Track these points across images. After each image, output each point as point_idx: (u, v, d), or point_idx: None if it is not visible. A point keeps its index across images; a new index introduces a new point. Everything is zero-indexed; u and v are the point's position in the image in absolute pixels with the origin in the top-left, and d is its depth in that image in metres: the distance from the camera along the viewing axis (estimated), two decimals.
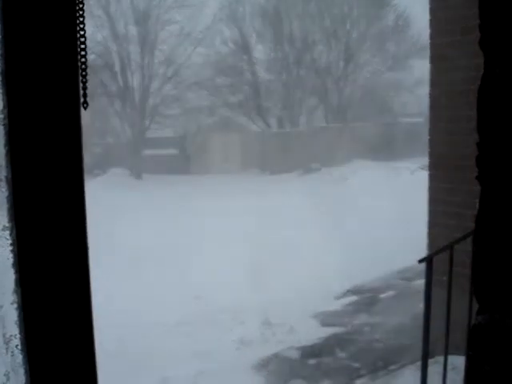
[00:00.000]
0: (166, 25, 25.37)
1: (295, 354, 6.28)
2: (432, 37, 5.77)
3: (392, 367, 5.53)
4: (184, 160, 27.34)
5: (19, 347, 0.91)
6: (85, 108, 1.05)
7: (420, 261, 4.42)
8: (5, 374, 0.90)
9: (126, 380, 5.92)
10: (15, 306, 0.91)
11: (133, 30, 24.92)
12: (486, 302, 1.09)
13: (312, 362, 6.06)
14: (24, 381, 0.92)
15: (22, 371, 0.91)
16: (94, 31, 23.60)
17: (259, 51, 29.34)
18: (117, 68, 25.00)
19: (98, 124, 25.32)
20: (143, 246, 11.98)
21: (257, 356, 6.28)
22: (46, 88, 0.91)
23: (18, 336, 0.91)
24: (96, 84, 23.58)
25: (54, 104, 0.92)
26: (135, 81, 25.27)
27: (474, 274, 1.11)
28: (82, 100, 1.02)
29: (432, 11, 5.71)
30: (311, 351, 6.33)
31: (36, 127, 0.91)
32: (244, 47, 28.99)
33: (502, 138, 1.02)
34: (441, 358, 4.37)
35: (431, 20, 5.72)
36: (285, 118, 29.47)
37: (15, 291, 0.90)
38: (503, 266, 1.05)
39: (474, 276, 1.12)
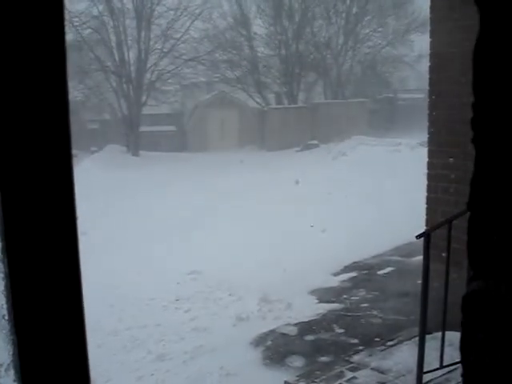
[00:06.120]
0: None
1: (292, 331, 6.30)
2: (432, 10, 5.69)
3: (389, 343, 5.54)
4: (181, 137, 27.24)
5: (6, 317, 0.88)
6: None
7: (418, 236, 4.41)
8: None
9: (124, 356, 5.95)
10: (1, 275, 0.88)
11: (129, 4, 24.61)
12: (480, 268, 1.06)
13: (309, 338, 6.08)
14: (11, 351, 0.89)
15: (9, 341, 0.89)
16: (90, 5, 23.34)
17: (258, 26, 29.05)
18: (113, 43, 24.74)
19: (94, 100, 25.14)
20: (140, 223, 11.99)
21: (254, 332, 6.30)
22: (29, 61, 0.88)
23: (5, 306, 0.88)
24: (91, 59, 23.40)
25: (39, 77, 0.89)
26: (131, 56, 25.02)
27: (469, 239, 1.08)
28: None
29: None
30: (308, 327, 6.35)
31: (19, 96, 0.88)
32: (243, 22, 28.69)
33: (497, 98, 0.99)
34: (438, 334, 4.38)
35: None
36: (283, 94, 29.30)
37: (1, 260, 0.87)
38: (498, 231, 1.02)
39: (468, 242, 1.09)
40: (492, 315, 1.04)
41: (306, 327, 6.36)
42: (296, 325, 6.44)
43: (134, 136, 24.26)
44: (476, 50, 1.02)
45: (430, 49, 5.68)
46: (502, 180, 0.99)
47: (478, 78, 1.02)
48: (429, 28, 5.76)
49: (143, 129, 24.97)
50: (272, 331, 6.32)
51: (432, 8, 5.66)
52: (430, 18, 5.71)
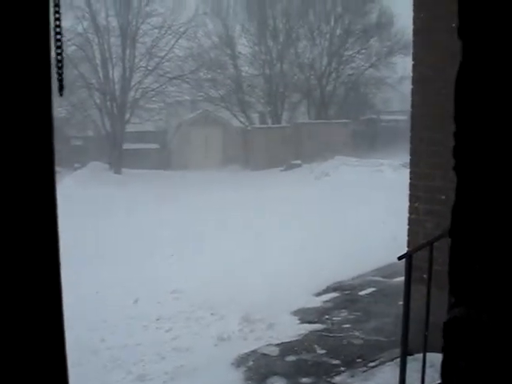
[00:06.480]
0: (147, 17, 25.18)
1: (274, 351, 6.25)
2: (415, 33, 5.76)
3: (371, 364, 5.52)
4: (165, 155, 27.20)
5: None
6: (61, 94, 1.03)
7: (399, 257, 4.42)
8: None
9: (104, 376, 5.85)
10: None
11: (114, 22, 24.69)
12: (461, 295, 1.06)
13: (291, 358, 6.04)
14: None
15: None
16: (75, 23, 23.36)
17: (242, 45, 29.29)
18: (97, 60, 24.75)
19: (78, 117, 25.07)
20: (121, 241, 11.90)
21: (236, 352, 6.24)
22: (16, 78, 0.87)
23: None
24: (76, 76, 23.36)
25: (25, 94, 0.88)
26: (116, 73, 25.04)
27: (450, 266, 1.08)
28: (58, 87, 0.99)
29: (415, 8, 5.70)
30: (290, 348, 6.31)
31: (4, 112, 0.87)
32: (227, 41, 28.88)
33: (479, 127, 1.00)
34: (420, 356, 4.37)
35: (414, 17, 5.71)
36: (267, 114, 29.46)
37: None
38: (479, 260, 1.02)
39: (450, 269, 1.09)
40: (474, 343, 1.03)
41: (287, 348, 6.31)
42: (278, 345, 6.40)
43: (117, 153, 24.19)
44: (458, 81, 1.03)
45: (413, 71, 5.74)
46: (484, 209, 1.00)
47: (460, 108, 1.03)
48: (411, 50, 5.83)
49: (127, 146, 24.90)
50: (254, 351, 6.26)
51: (415, 31, 5.73)
52: (413, 41, 5.78)
